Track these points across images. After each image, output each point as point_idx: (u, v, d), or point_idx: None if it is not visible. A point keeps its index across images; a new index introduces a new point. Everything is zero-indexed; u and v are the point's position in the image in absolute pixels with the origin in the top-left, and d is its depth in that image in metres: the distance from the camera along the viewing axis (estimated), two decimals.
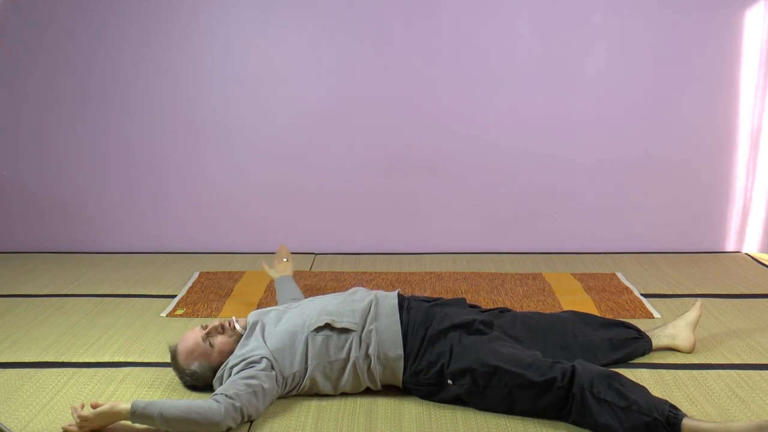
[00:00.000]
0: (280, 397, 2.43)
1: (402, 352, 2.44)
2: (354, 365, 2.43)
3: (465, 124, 4.18)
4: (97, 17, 4.09)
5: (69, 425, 2.22)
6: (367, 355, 2.43)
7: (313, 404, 2.41)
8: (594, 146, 4.18)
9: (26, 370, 2.67)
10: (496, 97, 4.14)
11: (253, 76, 4.15)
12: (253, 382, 2.30)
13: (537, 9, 4.07)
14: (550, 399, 2.26)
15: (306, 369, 2.43)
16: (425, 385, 2.43)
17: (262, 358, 2.38)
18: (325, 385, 2.45)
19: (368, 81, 4.14)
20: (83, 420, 2.19)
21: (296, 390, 2.45)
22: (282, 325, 2.50)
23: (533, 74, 4.12)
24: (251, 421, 2.31)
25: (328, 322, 2.45)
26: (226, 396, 2.23)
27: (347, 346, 2.44)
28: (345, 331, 2.45)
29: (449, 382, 2.39)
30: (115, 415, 2.20)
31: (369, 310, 2.51)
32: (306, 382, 2.43)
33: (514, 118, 4.16)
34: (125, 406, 2.18)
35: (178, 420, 2.16)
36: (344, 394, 2.47)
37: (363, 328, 2.46)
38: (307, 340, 2.44)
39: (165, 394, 2.48)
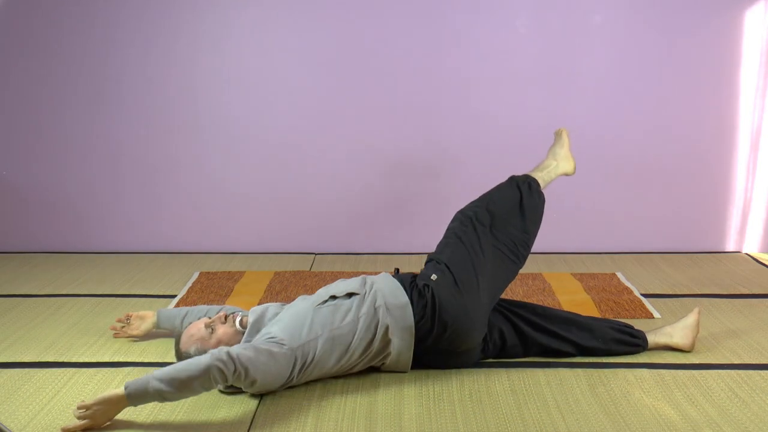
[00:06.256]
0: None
1: (407, 299, 2.51)
2: (364, 323, 2.46)
3: (465, 125, 4.18)
4: (97, 17, 4.09)
5: (68, 426, 2.22)
6: (375, 310, 2.48)
7: (313, 404, 2.41)
8: (594, 146, 4.18)
9: (26, 370, 2.67)
10: (496, 97, 4.14)
11: (254, 77, 4.15)
12: (255, 344, 2.35)
13: (537, 9, 4.07)
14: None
15: (316, 339, 2.43)
16: (426, 321, 2.50)
17: (272, 337, 2.42)
18: (336, 353, 2.45)
19: (368, 82, 4.14)
20: (84, 409, 2.20)
21: (309, 366, 2.43)
22: (286, 311, 2.54)
23: (533, 74, 4.12)
24: (254, 385, 2.31)
25: (333, 294, 2.54)
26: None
27: (354, 306, 2.49)
28: (350, 295, 2.53)
29: (433, 277, 2.55)
30: (110, 402, 2.20)
31: (365, 280, 2.60)
32: (318, 354, 2.42)
33: (514, 118, 4.16)
34: (117, 391, 2.20)
35: (171, 378, 2.18)
36: (344, 394, 2.47)
37: (365, 291, 2.54)
38: (313, 314, 2.48)
39: None
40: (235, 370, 2.25)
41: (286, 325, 2.45)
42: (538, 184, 2.82)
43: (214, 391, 2.46)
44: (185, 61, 4.15)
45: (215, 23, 4.10)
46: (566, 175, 2.97)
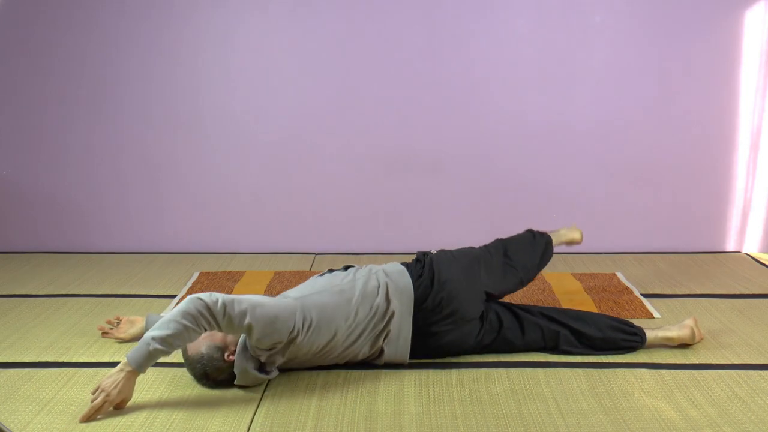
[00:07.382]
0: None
1: (404, 268, 2.69)
2: (364, 282, 2.58)
3: (465, 124, 4.18)
4: (98, 17, 4.09)
5: (84, 414, 2.27)
6: (373, 274, 2.64)
7: (313, 404, 2.41)
8: (594, 146, 4.19)
9: (26, 370, 2.67)
10: (496, 97, 4.15)
11: (254, 77, 4.15)
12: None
13: (538, 9, 4.07)
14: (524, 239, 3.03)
15: (318, 293, 2.53)
16: (425, 287, 2.62)
17: None
18: (341, 309, 2.51)
19: (368, 81, 4.14)
20: (96, 391, 2.28)
21: (314, 323, 2.45)
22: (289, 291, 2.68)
23: (533, 74, 4.13)
24: (248, 325, 2.33)
25: (330, 269, 2.75)
26: None
27: (351, 272, 2.66)
28: (346, 268, 2.73)
29: (432, 251, 2.79)
30: (117, 372, 2.28)
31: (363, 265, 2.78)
32: (323, 309, 2.48)
33: (514, 118, 4.16)
34: (123, 365, 2.28)
35: (161, 322, 2.27)
36: (344, 394, 2.47)
37: (361, 266, 2.73)
38: (314, 281, 2.64)
39: (166, 393, 2.48)
40: (219, 302, 2.30)
41: (293, 297, 2.57)
42: (550, 238, 3.11)
43: (216, 391, 2.47)
44: (186, 62, 4.15)
45: (217, 23, 4.10)
46: (574, 241, 3.31)
